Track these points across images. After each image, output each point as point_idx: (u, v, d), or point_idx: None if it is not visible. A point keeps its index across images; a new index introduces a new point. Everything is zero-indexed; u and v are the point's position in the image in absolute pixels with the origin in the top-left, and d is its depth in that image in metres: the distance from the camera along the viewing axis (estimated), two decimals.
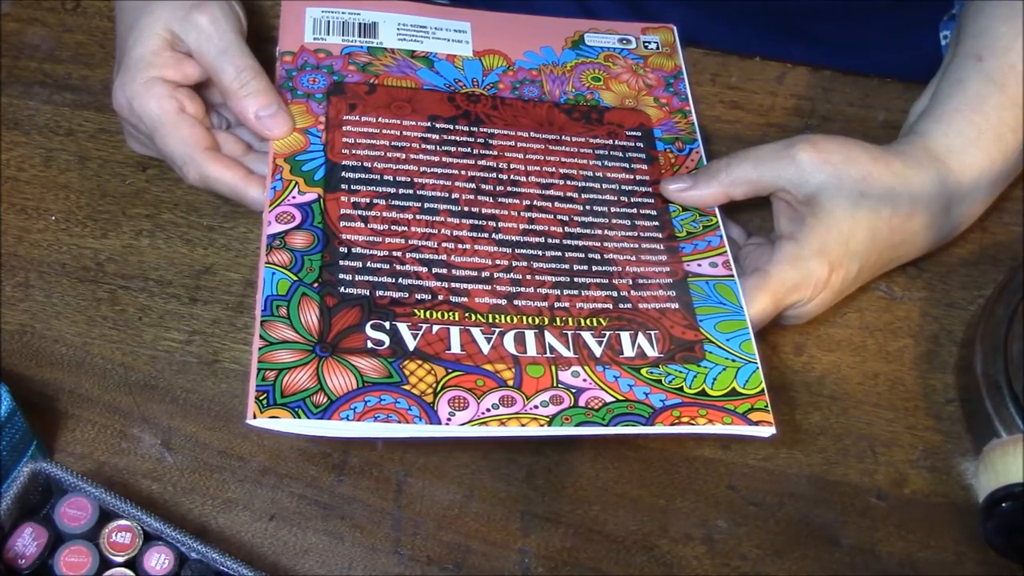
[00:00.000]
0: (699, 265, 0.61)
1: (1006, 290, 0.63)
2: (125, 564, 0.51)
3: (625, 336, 0.58)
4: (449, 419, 0.53)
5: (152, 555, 0.51)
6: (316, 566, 0.57)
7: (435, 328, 0.56)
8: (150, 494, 0.58)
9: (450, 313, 0.57)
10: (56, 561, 0.51)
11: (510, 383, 0.55)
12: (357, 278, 0.57)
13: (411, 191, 0.62)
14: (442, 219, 0.61)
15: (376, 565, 0.57)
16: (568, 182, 0.64)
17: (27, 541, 0.51)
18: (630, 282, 0.60)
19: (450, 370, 0.55)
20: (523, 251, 0.61)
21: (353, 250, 0.59)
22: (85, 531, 0.52)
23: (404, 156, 0.63)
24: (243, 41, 0.63)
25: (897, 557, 0.59)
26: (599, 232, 0.62)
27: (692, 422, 0.54)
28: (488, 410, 0.53)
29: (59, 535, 0.52)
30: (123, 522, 0.52)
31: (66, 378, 0.61)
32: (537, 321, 0.58)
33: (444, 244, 0.60)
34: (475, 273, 0.59)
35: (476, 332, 0.56)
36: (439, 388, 0.54)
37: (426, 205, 0.61)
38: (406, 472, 0.59)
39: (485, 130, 0.66)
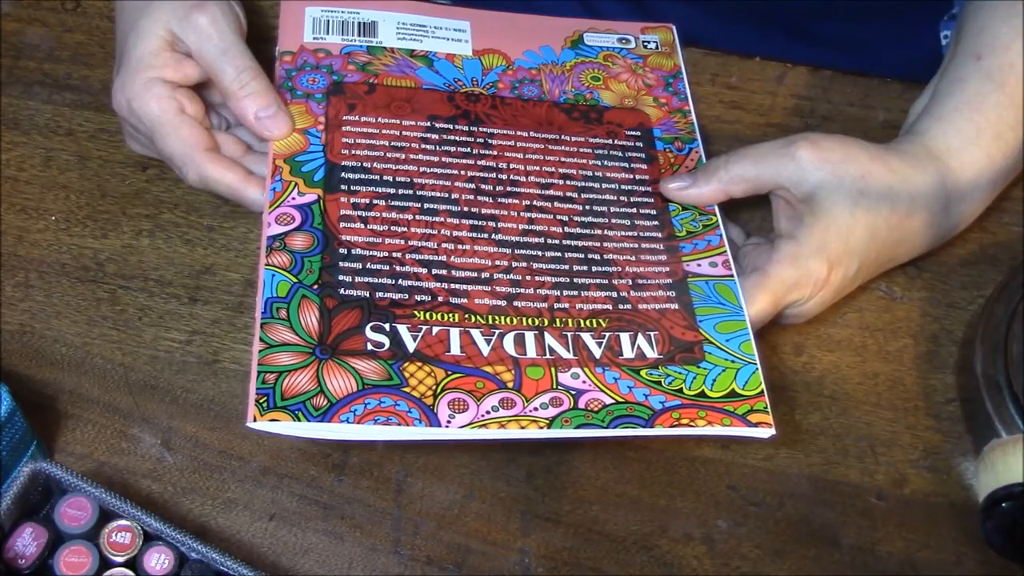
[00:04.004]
0: (699, 265, 0.61)
1: (1006, 290, 0.63)
2: (125, 564, 0.51)
3: (625, 337, 0.58)
4: (449, 421, 0.53)
5: (152, 555, 0.51)
6: (316, 566, 0.57)
7: (435, 330, 0.56)
8: (150, 494, 0.58)
9: (450, 314, 0.57)
10: (56, 561, 0.51)
11: (510, 385, 0.55)
12: (357, 279, 0.58)
13: (411, 191, 0.62)
14: (442, 219, 0.61)
15: (376, 565, 0.57)
16: (568, 182, 0.64)
17: (27, 541, 0.51)
18: (630, 282, 0.60)
19: (450, 372, 0.55)
20: (523, 252, 0.61)
21: (353, 251, 0.59)
22: (85, 531, 0.52)
23: (404, 156, 0.63)
24: (243, 41, 0.63)
25: (897, 557, 0.59)
26: (599, 232, 0.62)
27: (692, 424, 0.54)
28: (488, 412, 0.54)
29: (59, 535, 0.52)
30: (123, 522, 0.52)
31: (66, 378, 0.61)
32: (537, 322, 0.58)
33: (444, 245, 0.60)
34: (475, 274, 0.59)
35: (476, 333, 0.56)
36: (439, 390, 0.54)
37: (426, 206, 0.61)
38: (406, 472, 0.59)
39: (484, 130, 0.66)
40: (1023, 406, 0.59)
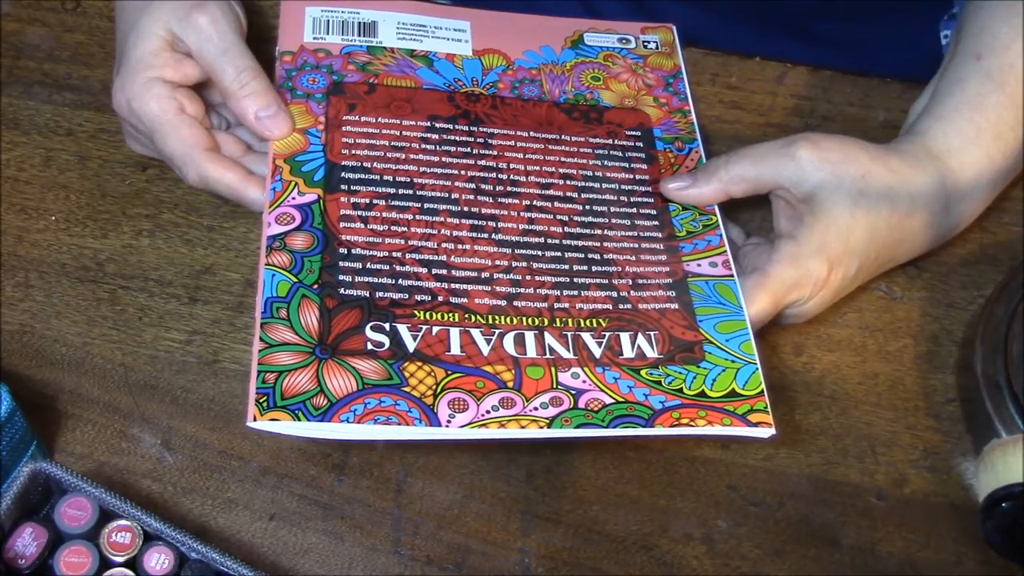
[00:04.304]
0: (699, 265, 0.61)
1: (1006, 290, 0.63)
2: (125, 564, 0.51)
3: (625, 337, 0.58)
4: (449, 421, 0.53)
5: (152, 555, 0.51)
6: (316, 566, 0.57)
7: (435, 329, 0.56)
8: (150, 494, 0.58)
9: (450, 314, 0.57)
10: (56, 561, 0.51)
11: (510, 385, 0.55)
12: (357, 279, 0.58)
13: (411, 191, 0.62)
14: (442, 219, 0.61)
15: (376, 565, 0.57)
16: (568, 182, 0.64)
17: (27, 541, 0.51)
18: (630, 282, 0.60)
19: (450, 372, 0.55)
20: (523, 251, 0.61)
21: (353, 251, 0.59)
22: (85, 531, 0.52)
23: (404, 156, 0.63)
24: (243, 41, 0.63)
25: (897, 557, 0.59)
26: (599, 232, 0.62)
27: (691, 423, 0.54)
28: (488, 412, 0.54)
29: (59, 535, 0.52)
30: (123, 522, 0.52)
31: (66, 378, 0.61)
32: (537, 322, 0.58)
33: (444, 245, 0.60)
34: (475, 274, 0.59)
35: (476, 333, 0.56)
36: (439, 390, 0.54)
37: (426, 205, 0.61)
38: (406, 472, 0.59)
39: (485, 130, 0.66)
40: (1023, 406, 0.59)
